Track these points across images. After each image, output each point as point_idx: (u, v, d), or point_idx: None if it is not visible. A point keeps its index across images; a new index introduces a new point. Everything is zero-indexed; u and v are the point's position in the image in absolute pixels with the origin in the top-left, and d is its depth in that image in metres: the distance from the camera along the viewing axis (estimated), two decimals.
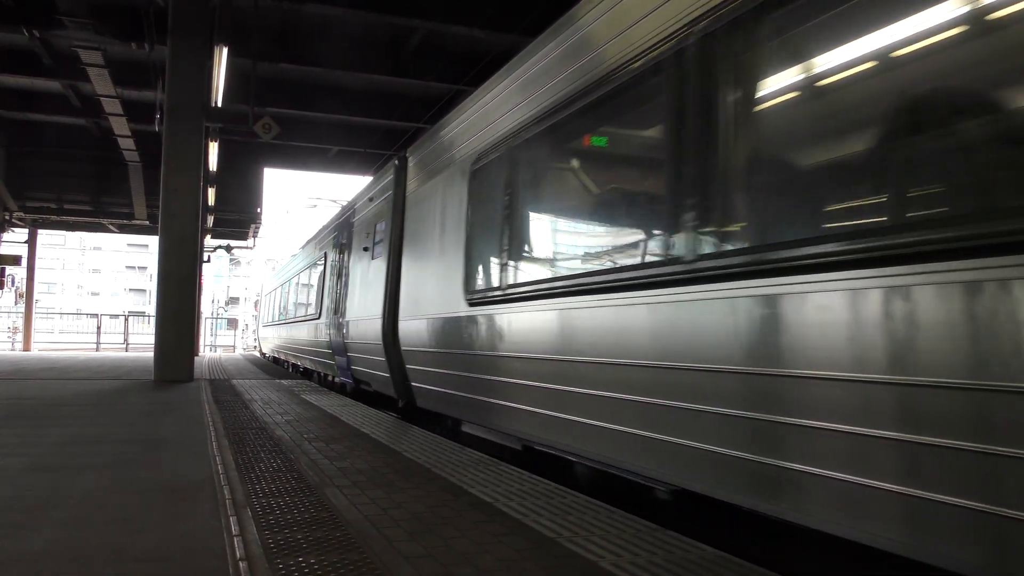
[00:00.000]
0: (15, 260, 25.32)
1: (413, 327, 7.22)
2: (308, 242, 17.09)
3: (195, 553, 2.69)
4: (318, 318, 13.01)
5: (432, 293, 6.72)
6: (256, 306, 36.94)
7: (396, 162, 8.56)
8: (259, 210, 24.53)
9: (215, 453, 4.85)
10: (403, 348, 7.53)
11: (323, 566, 2.55)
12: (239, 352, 34.05)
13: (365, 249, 9.63)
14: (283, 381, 12.15)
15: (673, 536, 3.05)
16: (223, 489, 3.75)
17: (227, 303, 56.05)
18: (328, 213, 24.12)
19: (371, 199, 9.85)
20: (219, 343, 36.74)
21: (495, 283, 5.40)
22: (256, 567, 2.53)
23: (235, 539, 2.85)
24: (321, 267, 13.64)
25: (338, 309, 11.14)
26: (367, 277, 9.34)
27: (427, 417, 7.65)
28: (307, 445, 5.28)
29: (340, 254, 11.71)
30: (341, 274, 11.39)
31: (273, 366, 18.98)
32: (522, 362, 4.90)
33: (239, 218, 24.69)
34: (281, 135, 14.54)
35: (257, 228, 26.36)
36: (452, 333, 6.17)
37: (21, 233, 25.59)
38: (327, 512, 3.33)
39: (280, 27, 14.21)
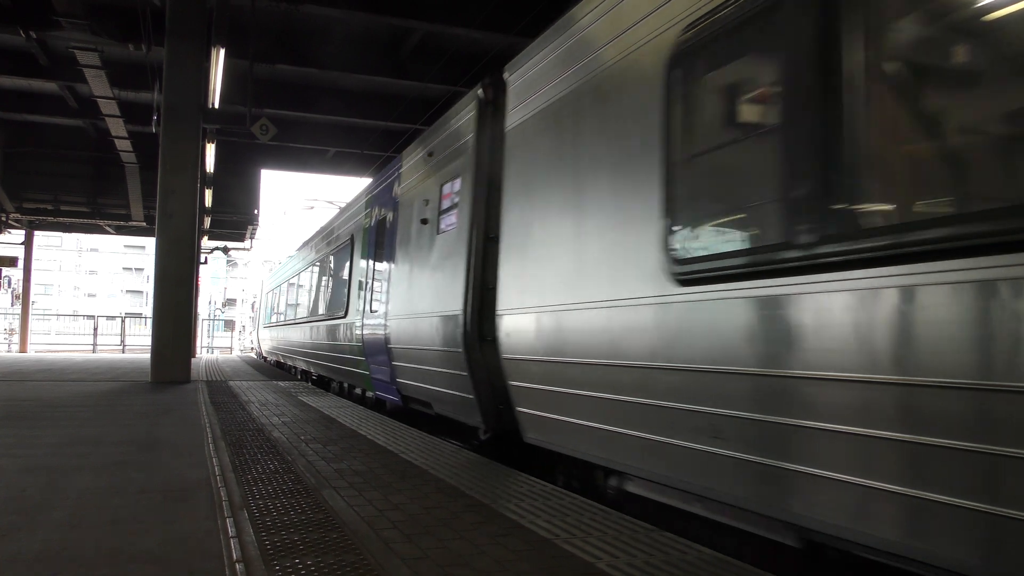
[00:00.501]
0: (12, 261, 25.32)
1: (527, 325, 4.86)
2: (325, 227, 14.17)
3: (192, 555, 2.69)
4: (343, 317, 10.53)
5: (573, 269, 4.33)
6: (253, 307, 36.77)
7: (480, 92, 5.99)
8: (256, 211, 24.51)
9: (212, 455, 4.85)
10: (505, 356, 5.08)
11: (320, 567, 2.55)
12: (236, 354, 34.01)
13: (424, 222, 7.08)
14: (280, 383, 12.14)
15: (670, 537, 3.06)
16: (220, 491, 3.74)
17: (224, 304, 56.01)
18: (327, 214, 23.69)
19: (431, 153, 7.27)
20: (216, 344, 36.70)
21: (774, 236, 2.95)
22: (253, 568, 2.53)
23: (232, 541, 2.85)
24: (346, 255, 11.11)
25: (376, 305, 8.76)
26: (429, 259, 6.86)
27: (528, 455, 5.42)
28: (304, 447, 5.28)
29: (377, 235, 9.20)
30: (380, 260, 8.93)
31: (271, 368, 18.93)
32: (854, 390, 2.53)
33: (236, 219, 24.67)
34: (279, 136, 14.56)
35: (254, 230, 26.34)
36: (631, 332, 3.75)
37: (18, 234, 25.56)
38: (324, 514, 3.33)
39: (278, 28, 14.21)
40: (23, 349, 25.77)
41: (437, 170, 7.03)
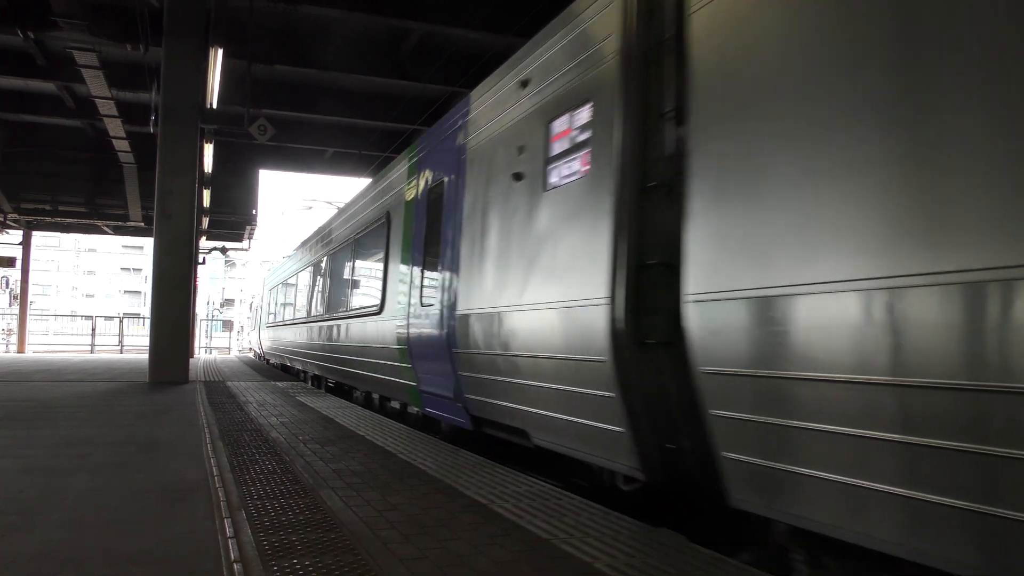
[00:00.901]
0: (10, 262, 25.30)
1: (772, 317, 2.90)
2: (344, 211, 11.94)
3: (190, 555, 2.69)
4: (377, 314, 8.43)
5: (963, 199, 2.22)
6: (251, 307, 36.69)
7: None
8: (254, 212, 24.50)
9: (210, 455, 4.85)
10: (707, 370, 3.19)
11: (317, 568, 2.56)
12: (234, 354, 34.00)
13: (518, 177, 5.08)
14: (278, 383, 12.14)
15: (668, 537, 3.06)
16: (218, 491, 3.74)
17: (222, 305, 56.01)
18: (331, 210, 23.27)
19: (526, 83, 5.22)
20: (214, 345, 36.70)
21: None
22: (251, 569, 2.53)
23: (230, 541, 2.85)
24: (378, 238, 9.03)
25: (431, 297, 6.68)
26: (529, 227, 4.82)
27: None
28: (302, 447, 5.27)
29: (430, 206, 7.09)
30: (436, 238, 6.81)
31: (270, 369, 18.88)
32: None
33: (234, 220, 24.66)
34: (277, 137, 14.56)
35: (252, 230, 26.33)
36: None
37: (16, 235, 25.54)
38: (322, 514, 3.33)
39: (277, 28, 14.22)
40: (21, 349, 25.75)
41: (541, 102, 5.00)
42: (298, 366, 15.94)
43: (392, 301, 7.98)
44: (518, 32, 12.03)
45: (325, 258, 12.80)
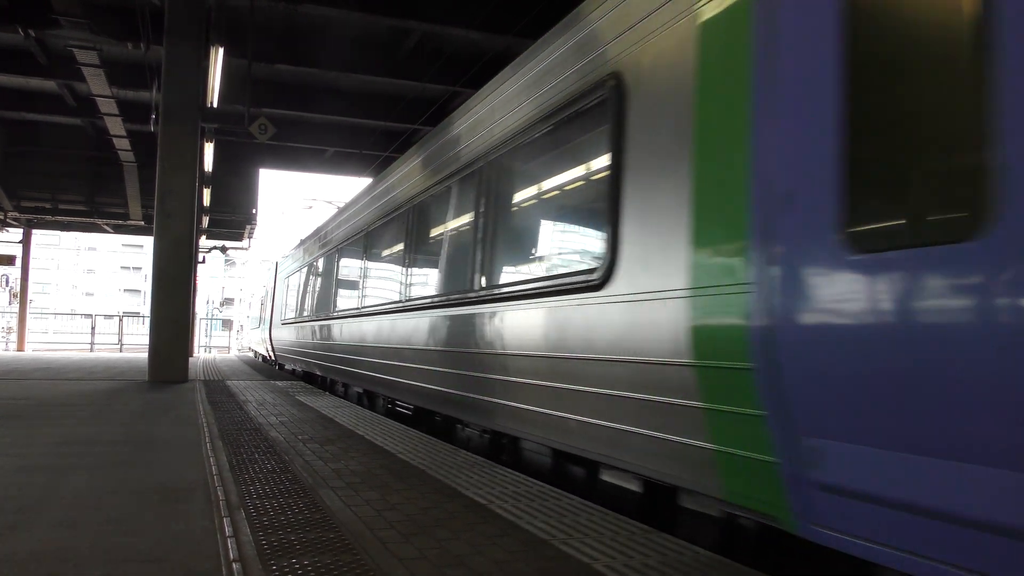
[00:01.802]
0: (10, 260, 25.31)
1: None
2: (466, 113, 6.25)
3: (189, 554, 2.69)
4: (597, 287, 3.83)
5: None
6: (251, 305, 36.49)
7: None
8: (254, 211, 24.50)
9: (209, 454, 4.85)
10: None
11: (316, 568, 2.55)
12: (234, 353, 33.98)
13: None
14: (278, 383, 12.13)
15: (667, 538, 3.06)
16: (217, 490, 3.74)
17: (222, 304, 56.03)
18: (325, 213, 22.71)
19: None
20: (214, 344, 36.72)
21: None
22: (249, 568, 2.53)
23: (228, 540, 2.85)
24: (585, 130, 4.33)
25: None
26: None
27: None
28: (302, 446, 5.27)
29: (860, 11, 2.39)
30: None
31: (269, 368, 18.84)
32: None
33: (234, 219, 24.68)
34: (277, 136, 14.56)
35: (252, 229, 26.34)
36: None
37: (16, 233, 25.55)
38: (321, 514, 3.33)
39: (277, 28, 14.23)
40: (20, 348, 25.75)
41: None
42: (342, 378, 11.22)
43: (651, 258, 3.50)
44: (518, 32, 12.02)
45: (410, 208, 7.82)
